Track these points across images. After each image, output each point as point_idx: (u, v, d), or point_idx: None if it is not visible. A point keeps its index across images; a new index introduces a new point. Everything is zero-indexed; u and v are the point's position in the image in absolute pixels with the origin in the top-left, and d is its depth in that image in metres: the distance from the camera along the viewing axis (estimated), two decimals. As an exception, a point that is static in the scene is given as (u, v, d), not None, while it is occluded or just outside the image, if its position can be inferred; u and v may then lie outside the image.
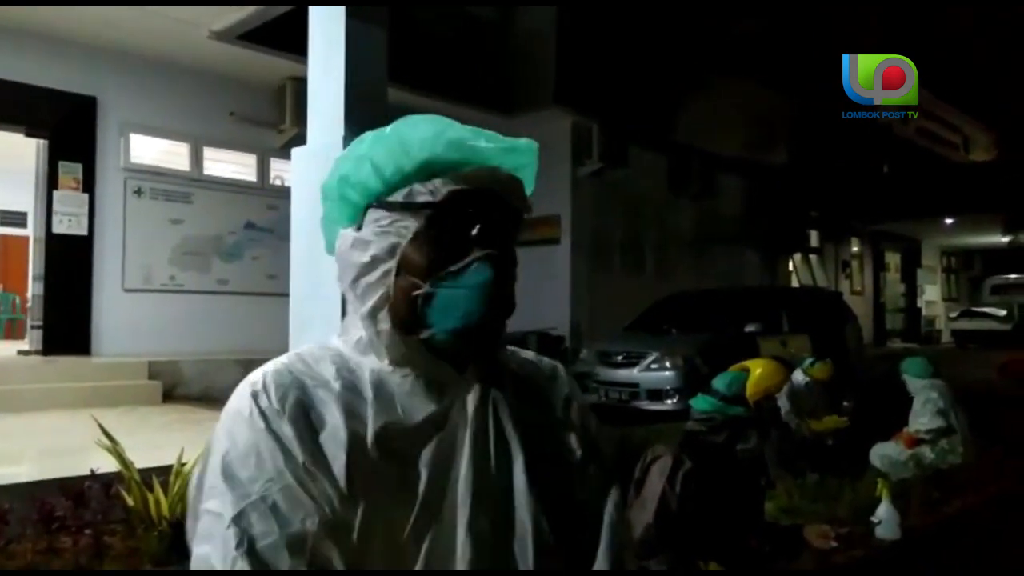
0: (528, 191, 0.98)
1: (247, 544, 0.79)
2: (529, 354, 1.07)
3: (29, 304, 8.99)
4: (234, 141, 9.19)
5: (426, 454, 0.88)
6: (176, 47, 8.13)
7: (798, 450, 4.74)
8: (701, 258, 13.72)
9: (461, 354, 0.91)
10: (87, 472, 3.14)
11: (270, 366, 0.91)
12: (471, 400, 0.92)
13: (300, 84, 6.16)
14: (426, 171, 0.90)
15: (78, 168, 8.13)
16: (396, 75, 5.09)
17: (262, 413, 0.85)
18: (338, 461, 0.84)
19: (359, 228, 0.93)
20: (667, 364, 8.12)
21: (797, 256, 18.11)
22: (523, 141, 0.95)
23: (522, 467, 0.92)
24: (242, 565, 0.78)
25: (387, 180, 0.92)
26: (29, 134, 8.07)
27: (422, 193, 0.90)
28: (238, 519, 0.80)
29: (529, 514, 0.90)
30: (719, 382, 2.99)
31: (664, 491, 2.57)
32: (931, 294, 25.48)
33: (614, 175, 11.28)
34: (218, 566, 0.79)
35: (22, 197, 10.16)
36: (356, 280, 0.93)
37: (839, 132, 15.14)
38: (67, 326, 8.03)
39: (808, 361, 5.80)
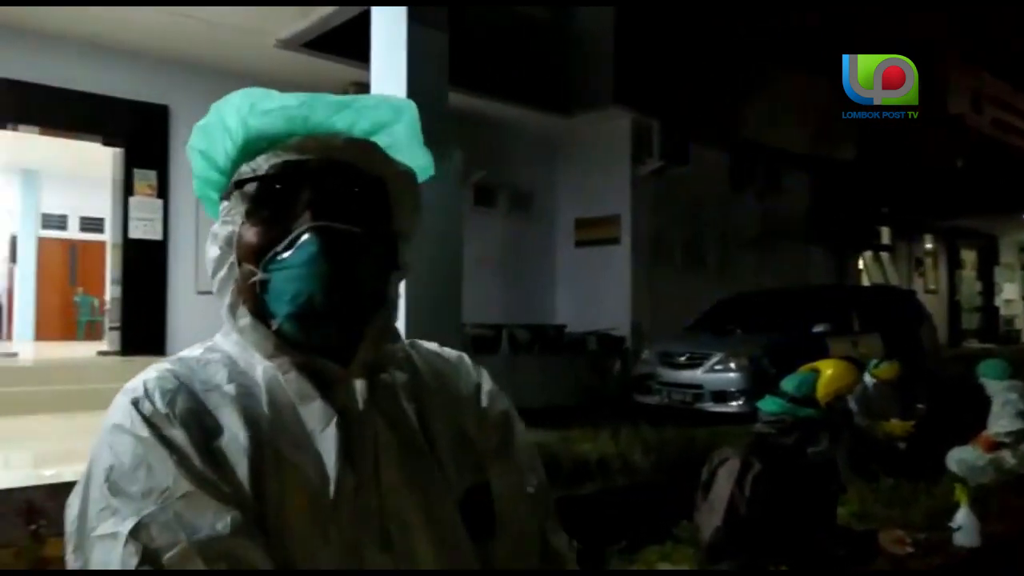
0: (408, 152, 0.90)
1: (151, 560, 0.69)
2: (432, 345, 1.01)
3: (107, 306, 9.35)
4: None
5: (329, 457, 0.79)
6: (243, 56, 8.35)
7: (871, 454, 4.61)
8: (766, 257, 13.46)
9: (316, 344, 0.81)
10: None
11: (150, 372, 0.82)
12: (360, 394, 0.83)
13: (363, 90, 6.27)
14: (254, 150, 0.84)
15: (152, 175, 8.42)
16: (455, 78, 5.14)
17: (147, 421, 0.76)
18: (241, 467, 0.76)
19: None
20: (732, 365, 7.99)
21: (868, 254, 17.61)
22: (366, 96, 0.86)
23: (431, 461, 0.86)
24: None
25: (221, 168, 0.86)
26: (106, 143, 8.41)
27: (246, 173, 0.83)
28: (135, 534, 0.70)
29: (441, 506, 0.84)
30: (788, 383, 2.93)
31: (733, 494, 2.53)
32: (1009, 292, 24.44)
33: (675, 173, 11.15)
34: None
35: (100, 204, 10.58)
36: (213, 276, 0.87)
37: (910, 126, 14.65)
38: (143, 327, 8.31)
39: (874, 362, 5.64)
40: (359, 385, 0.84)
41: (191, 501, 0.72)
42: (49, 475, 4.21)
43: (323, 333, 0.81)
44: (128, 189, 8.29)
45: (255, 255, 0.82)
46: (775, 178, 13.70)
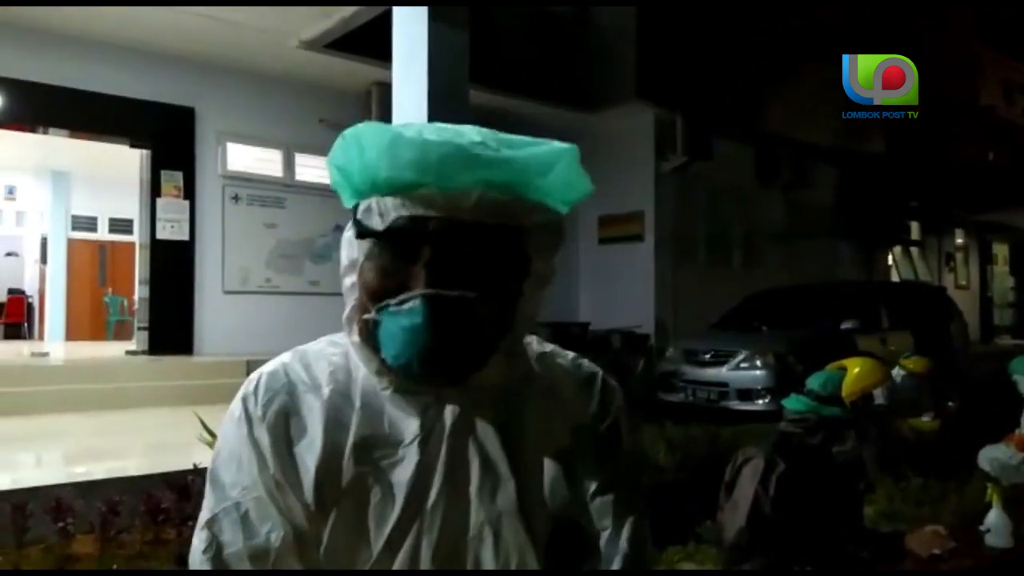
0: (563, 190, 0.85)
1: (214, 549, 0.82)
2: (567, 357, 0.98)
3: (136, 307, 9.47)
4: (323, 147, 9.14)
5: (403, 472, 0.82)
6: (267, 58, 8.42)
7: (900, 452, 4.54)
8: (792, 252, 13.31)
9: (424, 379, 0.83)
10: (190, 466, 3.29)
11: (269, 365, 0.90)
12: (449, 418, 0.85)
13: (385, 89, 6.28)
14: (389, 184, 0.81)
15: (179, 176, 8.53)
16: (476, 76, 5.13)
17: (248, 418, 0.85)
18: (309, 474, 0.82)
19: None
20: (758, 363, 7.92)
21: (897, 249, 17.35)
22: (518, 145, 0.82)
23: (511, 492, 0.84)
24: (205, 568, 0.81)
25: (355, 185, 0.85)
26: (133, 145, 8.52)
27: (374, 214, 0.82)
28: (211, 523, 0.83)
29: (514, 542, 0.83)
30: (814, 381, 2.88)
31: (756, 494, 2.50)
32: (1044, 287, 23.97)
33: (699, 168, 11.05)
34: (192, 565, 0.83)
35: (129, 205, 10.72)
36: (342, 278, 0.88)
37: (939, 118, 14.40)
38: (171, 327, 8.43)
39: (906, 354, 5.57)
40: (451, 409, 0.85)
41: (259, 506, 0.82)
42: (80, 472, 4.28)
43: (424, 382, 0.84)
44: (155, 190, 8.41)
45: (370, 294, 0.83)
46: (801, 172, 13.52)
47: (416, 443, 0.84)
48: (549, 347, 0.98)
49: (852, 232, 14.91)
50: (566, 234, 0.92)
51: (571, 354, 0.99)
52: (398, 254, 0.81)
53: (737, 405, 7.81)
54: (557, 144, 0.84)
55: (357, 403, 0.85)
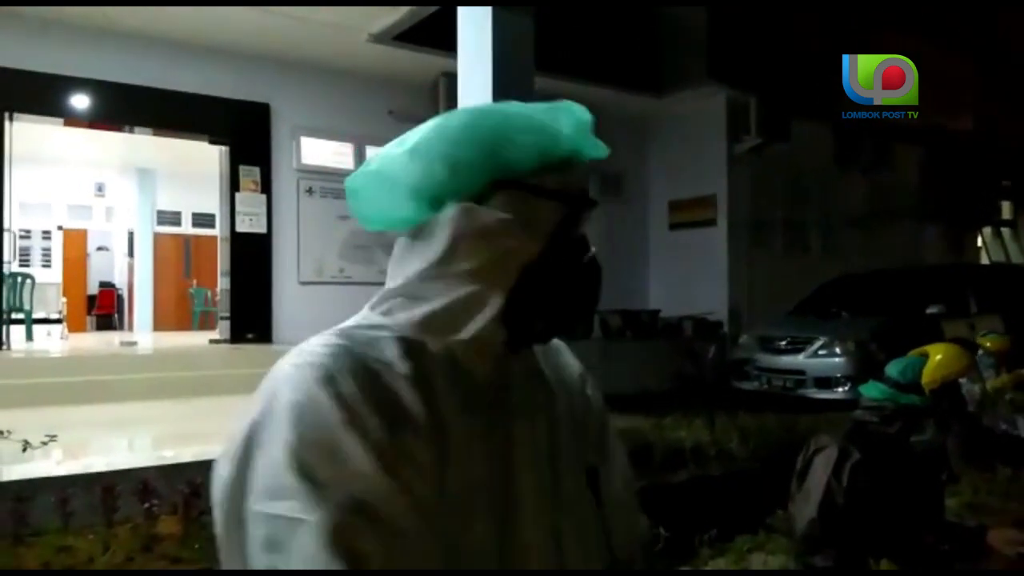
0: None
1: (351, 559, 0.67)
2: None
3: (218, 297, 9.81)
4: (393, 139, 9.51)
5: (497, 440, 0.83)
6: (338, 53, 8.57)
7: (986, 442, 4.33)
8: (874, 236, 12.81)
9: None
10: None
11: (324, 348, 0.80)
12: (526, 383, 0.90)
13: (453, 79, 6.31)
14: (578, 157, 0.87)
15: (256, 171, 8.76)
16: (541, 62, 5.11)
17: (338, 399, 0.74)
18: (421, 453, 0.75)
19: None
20: (837, 350, 7.69)
21: (987, 230, 16.53)
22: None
23: (552, 439, 0.92)
24: None
25: (509, 166, 0.85)
26: (213, 141, 8.80)
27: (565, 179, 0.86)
28: (339, 533, 0.68)
29: (573, 483, 0.91)
30: (893, 368, 2.78)
31: (829, 484, 2.43)
32: None
33: (775, 150, 10.74)
34: None
35: (211, 200, 11.10)
36: (467, 260, 0.85)
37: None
38: (251, 317, 8.69)
39: (983, 332, 5.35)
40: (526, 376, 0.91)
41: (382, 494, 0.71)
42: (169, 456, 4.47)
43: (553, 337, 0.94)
44: (234, 185, 8.67)
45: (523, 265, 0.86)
46: (884, 152, 12.99)
47: (502, 406, 0.86)
48: None
49: (938, 214, 14.26)
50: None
51: None
52: (579, 219, 0.87)
53: (815, 393, 7.61)
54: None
55: (440, 382, 0.81)
